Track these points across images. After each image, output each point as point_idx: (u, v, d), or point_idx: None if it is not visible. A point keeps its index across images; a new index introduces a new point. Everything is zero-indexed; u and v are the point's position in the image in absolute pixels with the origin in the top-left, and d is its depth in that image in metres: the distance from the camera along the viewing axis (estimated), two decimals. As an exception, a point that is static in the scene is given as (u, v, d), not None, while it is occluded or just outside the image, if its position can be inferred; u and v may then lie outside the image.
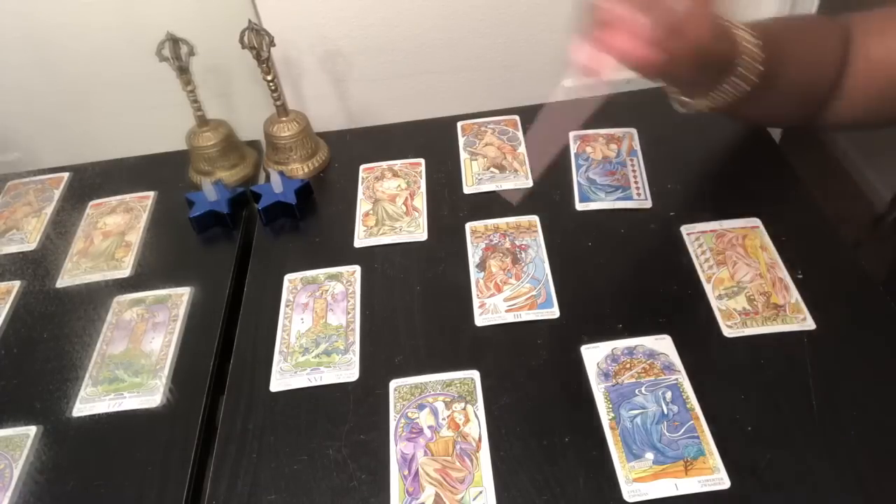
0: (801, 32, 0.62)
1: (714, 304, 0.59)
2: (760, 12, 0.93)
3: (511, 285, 0.63)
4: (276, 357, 0.60)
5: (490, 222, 0.69)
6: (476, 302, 0.62)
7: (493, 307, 0.61)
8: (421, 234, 0.70)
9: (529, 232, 0.67)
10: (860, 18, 0.61)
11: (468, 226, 0.69)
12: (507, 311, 0.61)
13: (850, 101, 0.61)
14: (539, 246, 0.66)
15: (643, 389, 0.54)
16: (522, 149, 0.78)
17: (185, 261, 0.72)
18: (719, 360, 0.56)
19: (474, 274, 0.64)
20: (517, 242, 0.66)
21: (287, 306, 0.64)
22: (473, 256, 0.66)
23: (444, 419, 0.54)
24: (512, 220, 0.69)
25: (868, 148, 1.73)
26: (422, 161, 0.79)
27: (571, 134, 0.78)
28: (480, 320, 0.60)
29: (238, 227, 0.74)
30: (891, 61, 0.59)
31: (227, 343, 0.62)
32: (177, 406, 0.58)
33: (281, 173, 0.76)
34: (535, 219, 0.69)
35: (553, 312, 0.60)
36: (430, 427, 0.53)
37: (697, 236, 0.65)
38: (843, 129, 0.67)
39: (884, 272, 0.61)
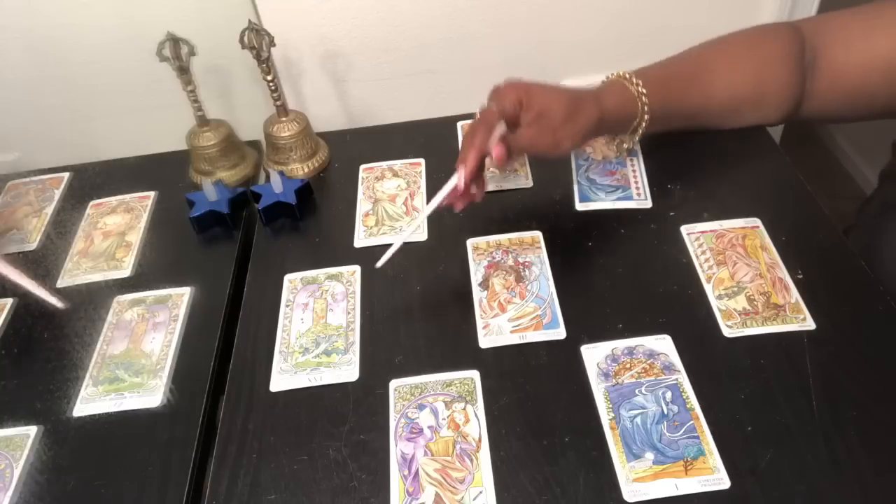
0: (727, 53, 0.69)
1: (714, 304, 0.59)
2: (761, 12, 0.93)
3: (515, 304, 0.62)
4: (276, 357, 0.60)
5: (492, 238, 0.68)
6: (480, 322, 0.60)
7: (497, 328, 0.59)
8: (421, 234, 0.70)
9: (533, 248, 0.66)
10: (824, 25, 0.68)
11: (469, 242, 0.68)
12: (511, 331, 0.59)
13: (820, 101, 0.69)
14: (543, 263, 0.65)
15: (643, 389, 0.54)
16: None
17: (186, 261, 0.72)
18: (719, 360, 0.56)
19: (477, 293, 0.63)
20: (520, 259, 0.65)
21: (287, 306, 0.64)
22: (476, 274, 0.65)
23: (444, 419, 0.54)
24: (514, 236, 0.67)
25: (868, 148, 1.73)
26: (422, 161, 0.79)
27: None
28: (485, 342, 0.59)
29: (238, 227, 0.74)
30: (853, 72, 0.66)
31: (227, 343, 0.62)
32: (177, 406, 0.58)
33: (281, 173, 0.76)
34: (538, 234, 0.67)
35: (559, 333, 0.59)
36: (430, 427, 0.53)
37: (697, 236, 0.65)
38: (817, 122, 0.74)
39: (870, 254, 0.63)
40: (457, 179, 0.58)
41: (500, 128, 0.59)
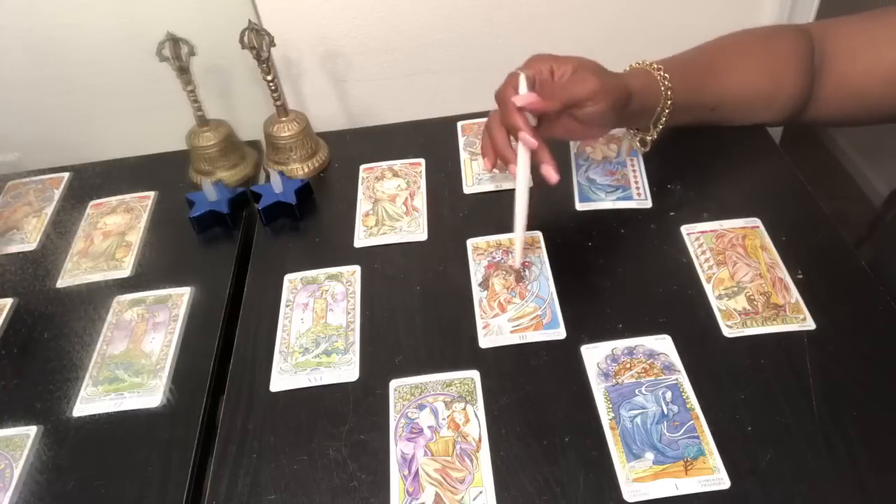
0: (744, 47, 0.70)
1: (714, 304, 0.59)
2: (761, 13, 0.93)
3: (515, 304, 0.61)
4: (276, 357, 0.60)
5: (492, 238, 0.68)
6: (480, 322, 0.60)
7: (497, 328, 0.59)
8: (421, 234, 0.70)
9: (533, 248, 0.66)
10: (833, 31, 0.69)
11: (469, 242, 0.68)
12: (511, 331, 0.59)
13: (823, 105, 0.70)
14: (543, 263, 0.65)
15: (643, 389, 0.54)
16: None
17: (185, 261, 0.72)
18: (719, 360, 0.56)
19: (477, 293, 0.63)
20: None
21: (287, 306, 0.64)
22: (476, 275, 0.64)
23: (444, 419, 0.54)
24: (514, 235, 0.67)
25: (868, 148, 1.73)
26: (422, 161, 0.79)
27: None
28: (485, 342, 0.59)
29: (238, 227, 0.74)
30: (859, 80, 0.67)
31: (227, 343, 0.62)
32: (177, 406, 0.58)
33: (281, 173, 0.76)
34: (538, 234, 0.67)
35: (559, 333, 0.58)
36: (430, 427, 0.53)
37: (697, 236, 0.65)
38: (821, 125, 0.75)
39: (884, 271, 0.63)
40: (525, 162, 0.60)
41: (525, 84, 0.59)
